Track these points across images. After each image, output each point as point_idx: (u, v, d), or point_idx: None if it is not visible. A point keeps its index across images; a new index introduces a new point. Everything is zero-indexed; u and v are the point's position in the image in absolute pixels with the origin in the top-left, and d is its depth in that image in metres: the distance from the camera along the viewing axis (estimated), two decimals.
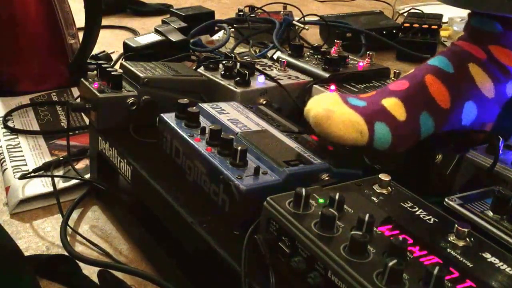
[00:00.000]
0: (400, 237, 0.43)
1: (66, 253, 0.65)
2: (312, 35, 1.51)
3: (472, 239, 0.44)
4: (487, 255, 0.43)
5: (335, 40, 0.98)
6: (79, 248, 0.68)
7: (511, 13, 0.61)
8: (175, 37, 1.16)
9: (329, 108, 0.60)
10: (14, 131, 0.93)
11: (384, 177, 0.51)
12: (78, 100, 0.74)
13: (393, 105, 0.63)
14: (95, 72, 0.75)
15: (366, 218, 0.42)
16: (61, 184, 0.78)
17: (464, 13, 0.73)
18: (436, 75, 0.66)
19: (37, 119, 0.98)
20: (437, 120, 0.64)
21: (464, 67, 0.67)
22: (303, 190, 0.45)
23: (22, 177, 0.78)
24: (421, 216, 0.48)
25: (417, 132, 0.63)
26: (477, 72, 0.67)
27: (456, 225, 0.44)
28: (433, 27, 1.41)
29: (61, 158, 0.84)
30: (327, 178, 0.55)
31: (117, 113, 0.70)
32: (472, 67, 0.67)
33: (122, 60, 1.08)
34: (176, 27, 1.21)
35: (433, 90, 0.65)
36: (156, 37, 1.16)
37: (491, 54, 0.67)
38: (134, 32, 1.54)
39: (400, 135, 0.62)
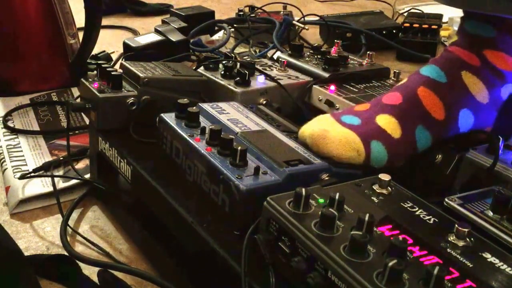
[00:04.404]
0: (400, 237, 0.43)
1: (66, 253, 0.65)
2: (312, 35, 1.51)
3: (472, 239, 0.44)
4: (487, 255, 0.43)
5: (335, 40, 0.98)
6: (79, 248, 0.68)
7: (507, 13, 0.61)
8: (175, 37, 1.16)
9: (324, 128, 0.60)
10: (14, 131, 0.93)
11: (384, 177, 0.51)
12: (78, 100, 0.74)
13: (388, 123, 0.63)
14: (95, 72, 0.75)
15: (366, 218, 0.42)
16: (61, 184, 0.78)
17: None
18: (428, 87, 0.66)
19: (37, 119, 0.98)
20: (433, 132, 0.64)
21: (457, 75, 0.67)
22: (303, 190, 0.45)
23: (22, 177, 0.78)
24: (421, 216, 0.48)
25: (413, 147, 0.63)
26: (471, 79, 0.66)
27: (456, 225, 0.44)
28: (433, 27, 1.41)
29: (61, 158, 0.84)
30: (327, 178, 0.55)
31: (117, 113, 0.70)
32: (465, 75, 0.66)
33: (122, 60, 1.08)
34: (176, 27, 1.21)
35: (426, 102, 0.65)
36: (156, 37, 1.16)
37: (486, 59, 0.67)
38: (134, 32, 1.54)
39: (396, 152, 0.62)
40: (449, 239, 0.44)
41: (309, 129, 0.61)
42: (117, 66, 1.05)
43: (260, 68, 0.84)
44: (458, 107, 0.66)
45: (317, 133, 0.59)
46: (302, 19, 1.44)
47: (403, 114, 0.64)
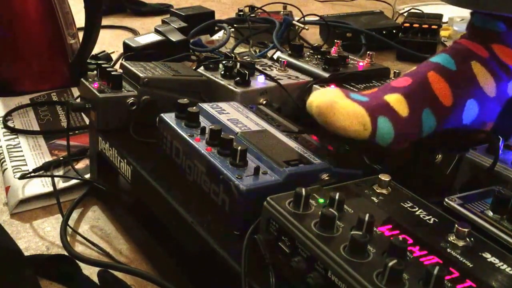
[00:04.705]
0: (400, 237, 0.43)
1: (66, 253, 0.65)
2: (312, 35, 1.51)
3: (472, 239, 0.44)
4: (487, 255, 0.43)
5: (335, 40, 0.98)
6: (79, 248, 0.68)
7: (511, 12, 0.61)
8: (175, 37, 1.16)
9: (333, 99, 0.60)
10: (14, 131, 0.93)
11: (384, 177, 0.51)
12: (78, 100, 0.74)
13: (396, 101, 0.62)
14: (95, 72, 0.75)
15: (366, 218, 0.42)
16: (61, 184, 0.78)
17: (464, 13, 0.73)
18: (439, 72, 0.66)
19: (37, 119, 0.98)
20: (439, 117, 0.64)
21: (467, 65, 0.67)
22: (303, 190, 0.45)
23: (22, 177, 0.78)
24: (421, 216, 0.48)
25: (419, 129, 0.63)
26: (480, 70, 0.66)
27: (456, 225, 0.44)
28: (433, 27, 1.41)
29: (61, 158, 0.84)
30: (327, 178, 0.55)
31: (117, 113, 0.70)
32: (474, 65, 0.67)
33: (122, 60, 1.08)
34: (176, 27, 1.21)
35: (435, 87, 0.65)
36: (156, 37, 1.16)
37: (494, 53, 0.67)
38: (134, 32, 1.54)
39: (402, 131, 0.61)
40: (449, 239, 0.44)
41: (317, 99, 0.60)
42: (117, 66, 1.05)
43: (260, 68, 0.84)
44: (466, 96, 0.66)
45: (325, 103, 0.59)
46: (302, 19, 1.44)
47: (412, 94, 0.64)
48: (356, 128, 0.58)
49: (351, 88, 0.82)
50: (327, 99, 0.59)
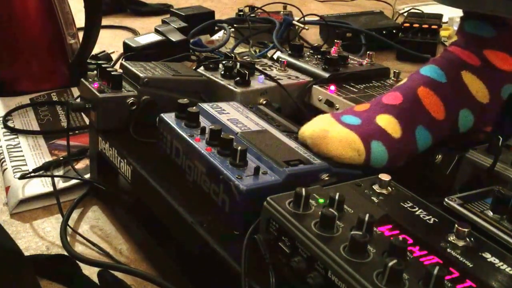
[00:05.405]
0: (400, 237, 0.43)
1: (66, 253, 0.65)
2: (312, 35, 1.51)
3: (472, 239, 0.44)
4: (487, 255, 0.43)
5: (335, 40, 0.98)
6: (79, 248, 0.68)
7: (506, 14, 0.61)
8: (175, 37, 1.16)
9: (325, 128, 0.60)
10: (14, 131, 0.93)
11: (384, 177, 0.51)
12: (78, 100, 0.74)
13: (388, 123, 0.63)
14: (95, 72, 0.75)
15: (366, 218, 0.42)
16: (61, 184, 0.78)
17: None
18: (429, 87, 0.66)
19: (37, 119, 0.98)
20: (433, 132, 0.64)
21: (457, 75, 0.67)
22: (303, 190, 0.45)
23: (22, 177, 0.78)
24: (421, 216, 0.48)
25: (413, 147, 0.63)
26: (471, 79, 0.66)
27: (456, 225, 0.44)
28: (433, 27, 1.41)
29: (61, 158, 0.84)
30: (327, 178, 0.55)
31: (117, 113, 0.70)
32: (465, 74, 0.67)
33: (122, 60, 1.08)
34: (176, 27, 1.21)
35: (426, 102, 0.65)
36: (156, 37, 1.16)
37: (486, 59, 0.67)
38: (134, 32, 1.54)
39: (396, 152, 0.62)
40: (449, 239, 0.44)
41: (309, 129, 0.61)
42: (117, 66, 1.05)
43: (260, 68, 0.84)
44: (458, 107, 0.66)
45: (317, 133, 0.59)
46: (302, 19, 1.44)
47: (403, 114, 0.64)
48: (350, 155, 0.59)
49: (351, 88, 0.82)
50: (318, 129, 0.60)
